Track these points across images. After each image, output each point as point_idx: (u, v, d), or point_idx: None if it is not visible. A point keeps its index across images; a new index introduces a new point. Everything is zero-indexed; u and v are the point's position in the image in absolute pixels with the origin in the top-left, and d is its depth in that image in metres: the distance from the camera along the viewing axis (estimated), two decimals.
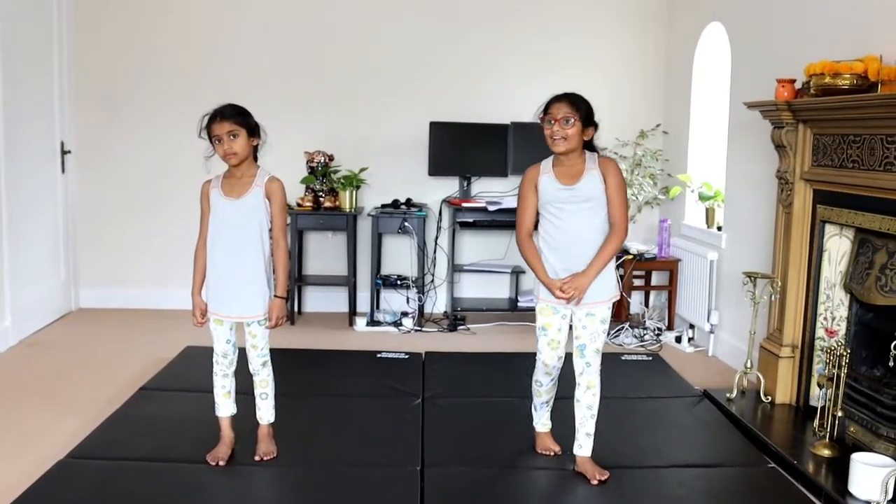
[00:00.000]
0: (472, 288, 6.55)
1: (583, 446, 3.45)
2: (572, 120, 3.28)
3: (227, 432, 3.56)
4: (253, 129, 3.40)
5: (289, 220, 6.06)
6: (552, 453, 3.63)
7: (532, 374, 3.58)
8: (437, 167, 6.31)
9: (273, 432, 3.61)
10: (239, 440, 3.58)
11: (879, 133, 3.57)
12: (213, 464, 3.45)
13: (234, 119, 3.34)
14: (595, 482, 3.35)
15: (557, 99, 3.33)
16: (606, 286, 3.40)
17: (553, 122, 3.28)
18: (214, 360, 3.53)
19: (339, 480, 3.37)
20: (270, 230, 3.46)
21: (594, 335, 3.41)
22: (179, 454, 3.56)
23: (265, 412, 3.58)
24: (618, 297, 3.49)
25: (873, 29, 3.82)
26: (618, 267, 5.86)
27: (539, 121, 3.37)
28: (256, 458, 3.51)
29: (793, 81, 4.18)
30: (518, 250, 3.49)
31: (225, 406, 3.55)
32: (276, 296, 3.46)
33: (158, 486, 3.29)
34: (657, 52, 6.50)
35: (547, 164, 3.42)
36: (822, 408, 3.74)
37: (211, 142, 3.39)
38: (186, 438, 3.71)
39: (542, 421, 3.70)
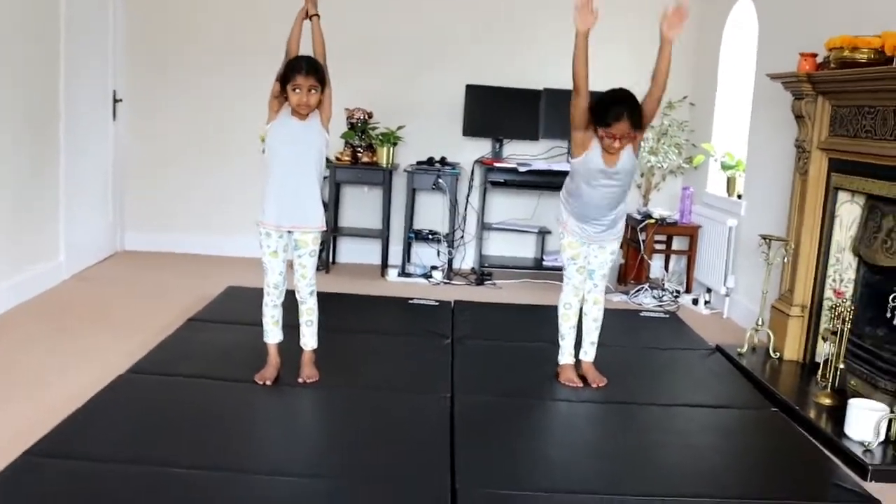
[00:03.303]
0: (500, 246, 6.84)
1: (587, 353, 4.08)
2: (631, 135, 3.68)
3: (273, 356, 3.87)
4: (324, 86, 3.75)
5: (327, 173, 6.39)
6: (574, 384, 3.95)
7: (557, 308, 4.02)
8: (472, 128, 6.58)
9: (316, 359, 3.93)
10: (283, 366, 3.89)
11: (893, 105, 3.81)
12: (262, 383, 3.77)
13: (316, 76, 3.67)
14: (595, 386, 3.97)
15: (618, 116, 3.63)
16: (616, 229, 3.97)
17: (615, 139, 3.65)
18: (265, 291, 3.83)
19: (377, 402, 3.69)
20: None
21: (602, 263, 4.00)
22: (230, 374, 3.87)
23: (310, 338, 3.90)
24: (622, 236, 4.08)
25: (892, 5, 4.06)
26: (641, 230, 6.13)
27: (595, 126, 3.70)
28: (300, 380, 3.82)
29: (815, 55, 4.41)
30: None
31: (273, 333, 3.87)
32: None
33: (213, 400, 3.63)
34: (687, 28, 6.69)
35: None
36: (826, 360, 4.01)
37: (283, 86, 3.66)
38: (235, 362, 4.02)
39: (567, 351, 4.05)
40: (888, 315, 3.42)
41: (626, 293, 6.06)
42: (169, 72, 6.68)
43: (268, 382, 3.77)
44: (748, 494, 3.07)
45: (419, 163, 6.52)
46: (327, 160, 6.40)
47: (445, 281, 6.34)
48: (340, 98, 6.47)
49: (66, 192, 5.69)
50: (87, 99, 6.01)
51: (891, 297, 3.39)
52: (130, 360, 4.00)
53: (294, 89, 3.63)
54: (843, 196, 4.37)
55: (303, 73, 3.63)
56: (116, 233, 6.74)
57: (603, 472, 3.17)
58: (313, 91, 3.66)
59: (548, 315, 4.43)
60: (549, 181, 6.32)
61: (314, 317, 3.89)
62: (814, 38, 4.53)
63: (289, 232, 3.75)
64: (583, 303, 4.06)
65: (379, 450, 3.21)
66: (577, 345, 4.09)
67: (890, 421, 3.48)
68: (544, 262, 6.56)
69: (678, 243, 6.61)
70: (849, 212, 4.36)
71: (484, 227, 6.61)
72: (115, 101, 6.52)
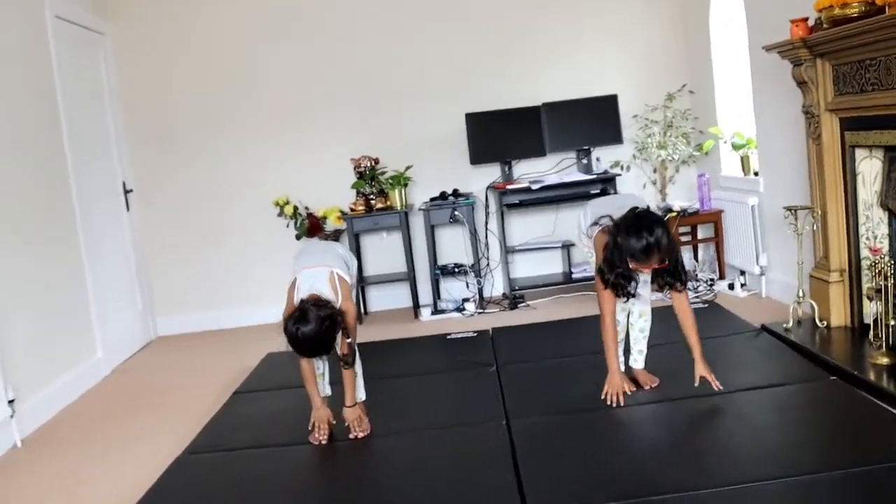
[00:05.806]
0: (527, 266, 6.81)
1: (637, 360, 4.07)
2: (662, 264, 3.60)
3: (321, 411, 3.82)
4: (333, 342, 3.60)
5: (344, 226, 6.40)
6: (626, 391, 3.89)
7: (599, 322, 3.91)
8: (478, 155, 6.58)
9: (365, 410, 3.89)
10: (335, 423, 3.84)
11: (894, 53, 3.77)
12: (316, 444, 3.74)
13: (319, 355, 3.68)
14: (647, 388, 3.94)
15: (649, 252, 3.48)
16: None
17: (643, 269, 3.62)
18: None
19: (434, 441, 3.65)
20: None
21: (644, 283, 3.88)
22: (283, 440, 3.84)
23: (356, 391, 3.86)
24: None
25: None
26: None
27: (623, 257, 3.57)
28: (352, 435, 3.76)
29: (805, 19, 4.39)
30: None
31: (320, 387, 3.83)
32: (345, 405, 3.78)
33: (270, 468, 3.57)
34: (673, 16, 6.71)
35: None
36: (876, 320, 3.94)
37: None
38: (286, 426, 3.98)
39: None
40: None
41: (661, 291, 5.99)
42: (172, 152, 6.72)
43: (322, 441, 3.74)
44: (821, 468, 2.98)
45: (433, 199, 6.52)
46: (342, 212, 6.44)
47: (479, 311, 6.31)
48: (344, 149, 6.56)
49: (94, 289, 5.73)
50: (97, 193, 6.07)
51: None
52: (184, 443, 3.99)
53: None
54: (860, 153, 4.32)
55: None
56: (148, 321, 6.77)
57: (673, 471, 3.09)
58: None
59: (587, 326, 4.40)
60: (564, 194, 6.32)
61: (358, 367, 3.87)
62: (800, 2, 4.51)
63: None
64: (629, 315, 4.02)
65: (446, 486, 3.17)
66: (625, 352, 4.04)
67: None
68: (573, 275, 6.51)
69: (703, 231, 6.56)
70: (869, 167, 4.31)
71: (507, 250, 6.59)
72: (126, 191, 6.58)
